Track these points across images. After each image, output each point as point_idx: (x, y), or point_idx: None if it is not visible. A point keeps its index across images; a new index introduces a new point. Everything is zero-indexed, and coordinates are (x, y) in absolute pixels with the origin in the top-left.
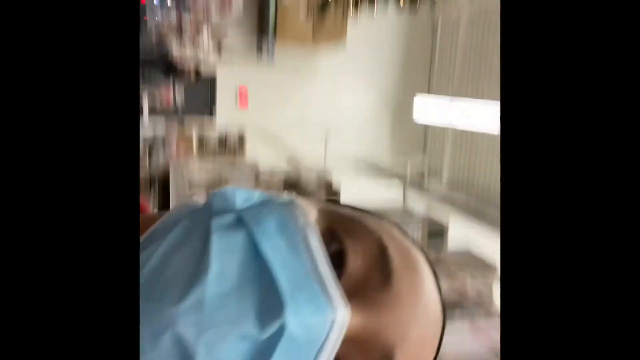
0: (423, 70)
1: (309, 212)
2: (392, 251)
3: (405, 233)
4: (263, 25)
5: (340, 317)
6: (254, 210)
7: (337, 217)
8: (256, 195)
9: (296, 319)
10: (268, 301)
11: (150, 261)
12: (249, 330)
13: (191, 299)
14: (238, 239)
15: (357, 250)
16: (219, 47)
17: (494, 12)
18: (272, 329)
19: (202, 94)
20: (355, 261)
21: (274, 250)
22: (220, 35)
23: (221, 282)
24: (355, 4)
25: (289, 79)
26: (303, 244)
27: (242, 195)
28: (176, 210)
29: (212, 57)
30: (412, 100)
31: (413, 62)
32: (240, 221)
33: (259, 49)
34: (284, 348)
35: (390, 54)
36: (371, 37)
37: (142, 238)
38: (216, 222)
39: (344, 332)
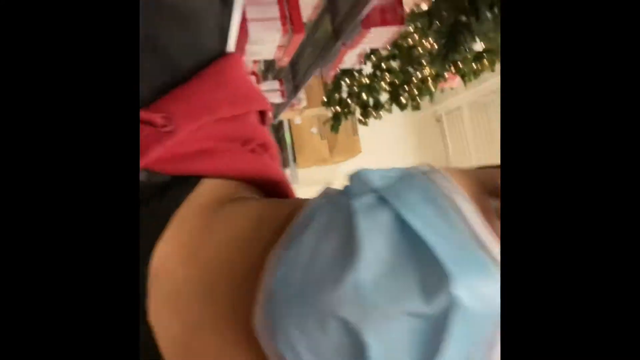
0: (440, 159)
1: (453, 178)
2: None
3: None
4: (282, 151)
5: None
6: (393, 186)
7: (484, 170)
8: (392, 171)
9: (466, 289)
10: (430, 274)
11: (300, 251)
12: (415, 306)
13: (347, 284)
14: (383, 217)
15: None
16: None
17: (490, 90)
18: (441, 302)
19: None
20: None
21: (423, 222)
22: None
23: (374, 263)
24: (362, 114)
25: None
26: (453, 210)
27: (378, 174)
28: (316, 199)
29: None
30: None
31: (430, 158)
32: (381, 200)
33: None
34: (459, 323)
35: (404, 152)
36: (384, 139)
37: (289, 229)
38: (357, 204)
39: None
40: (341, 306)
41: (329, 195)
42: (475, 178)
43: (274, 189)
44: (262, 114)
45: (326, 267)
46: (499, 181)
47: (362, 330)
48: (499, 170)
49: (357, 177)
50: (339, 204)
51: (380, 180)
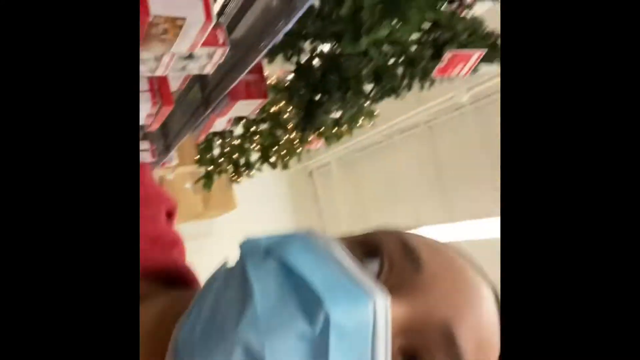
0: (315, 214)
1: (329, 238)
2: (413, 242)
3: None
4: None
5: (381, 302)
6: (278, 242)
7: (356, 235)
8: (277, 235)
9: (337, 308)
10: (309, 301)
11: (202, 308)
12: (302, 328)
13: (248, 317)
14: (270, 265)
15: (386, 250)
16: None
17: (353, 148)
18: (319, 321)
19: None
20: (387, 260)
21: (303, 264)
22: None
23: (266, 299)
24: (235, 171)
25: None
26: (328, 254)
27: (264, 237)
28: (212, 273)
29: None
30: None
31: (303, 210)
32: (268, 253)
33: None
34: (336, 339)
35: (279, 205)
36: (259, 193)
37: (190, 305)
38: (248, 259)
39: (390, 319)
40: (244, 335)
41: (222, 267)
42: (348, 239)
43: (181, 282)
44: (169, 214)
45: (228, 311)
46: (366, 238)
47: (262, 353)
48: (366, 232)
49: (246, 242)
50: (233, 268)
51: (267, 240)
